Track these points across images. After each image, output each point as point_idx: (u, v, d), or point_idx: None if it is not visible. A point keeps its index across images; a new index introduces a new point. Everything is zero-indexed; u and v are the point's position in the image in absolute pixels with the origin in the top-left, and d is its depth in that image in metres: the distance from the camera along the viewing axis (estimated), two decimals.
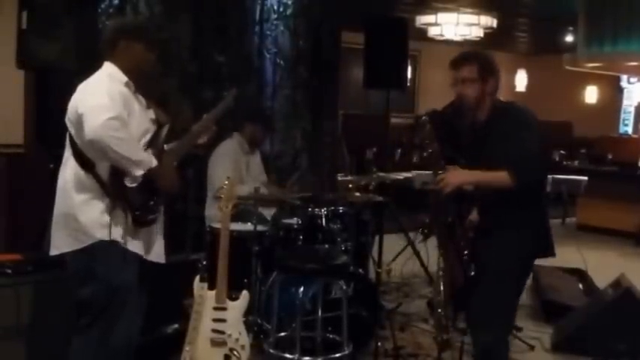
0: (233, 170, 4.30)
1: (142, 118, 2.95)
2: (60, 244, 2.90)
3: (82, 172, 2.81)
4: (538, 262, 3.24)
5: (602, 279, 5.22)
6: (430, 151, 3.04)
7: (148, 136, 2.95)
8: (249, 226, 4.07)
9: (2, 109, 4.43)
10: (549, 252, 3.09)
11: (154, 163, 2.84)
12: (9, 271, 3.29)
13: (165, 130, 3.05)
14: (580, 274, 5.83)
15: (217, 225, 3.61)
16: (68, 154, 2.88)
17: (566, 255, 6.21)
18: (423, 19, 9.45)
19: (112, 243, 2.81)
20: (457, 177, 2.96)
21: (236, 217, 3.78)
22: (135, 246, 2.91)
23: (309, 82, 5.72)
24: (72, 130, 2.83)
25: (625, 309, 4.21)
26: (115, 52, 2.94)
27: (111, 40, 2.96)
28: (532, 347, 4.37)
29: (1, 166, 4.32)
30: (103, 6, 4.43)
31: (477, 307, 3.04)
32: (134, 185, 2.80)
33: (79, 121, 2.74)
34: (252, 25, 5.39)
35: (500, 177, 2.84)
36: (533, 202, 2.97)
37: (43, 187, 3.89)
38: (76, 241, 2.84)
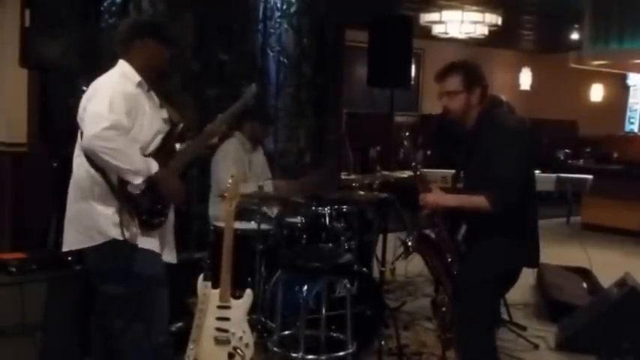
0: (236, 169, 4.29)
1: (154, 118, 2.93)
2: (72, 240, 2.90)
3: (93, 170, 2.80)
4: (542, 261, 3.22)
5: (606, 278, 5.20)
6: (413, 164, 3.14)
7: (160, 137, 2.93)
8: (252, 225, 4.06)
9: (6, 108, 4.42)
10: (533, 263, 3.09)
11: (153, 170, 2.81)
12: (13, 269, 3.30)
13: (178, 130, 3.02)
14: (585, 273, 5.82)
15: (221, 224, 3.60)
16: (79, 152, 2.86)
17: (571, 254, 6.21)
18: (427, 17, 9.45)
19: (125, 242, 2.80)
20: (436, 200, 3.02)
21: (240, 215, 3.77)
22: (150, 244, 2.90)
23: (313, 81, 5.70)
24: (82, 127, 2.81)
25: (630, 308, 4.20)
26: (130, 51, 2.91)
27: (126, 38, 2.93)
28: (536, 346, 4.37)
29: (5, 165, 4.31)
30: (105, 4, 4.42)
31: (456, 316, 3.06)
32: (137, 192, 2.79)
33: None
34: (256, 23, 5.38)
35: (478, 201, 2.84)
36: (520, 213, 2.92)
37: (46, 186, 3.90)
38: (88, 239, 2.84)
